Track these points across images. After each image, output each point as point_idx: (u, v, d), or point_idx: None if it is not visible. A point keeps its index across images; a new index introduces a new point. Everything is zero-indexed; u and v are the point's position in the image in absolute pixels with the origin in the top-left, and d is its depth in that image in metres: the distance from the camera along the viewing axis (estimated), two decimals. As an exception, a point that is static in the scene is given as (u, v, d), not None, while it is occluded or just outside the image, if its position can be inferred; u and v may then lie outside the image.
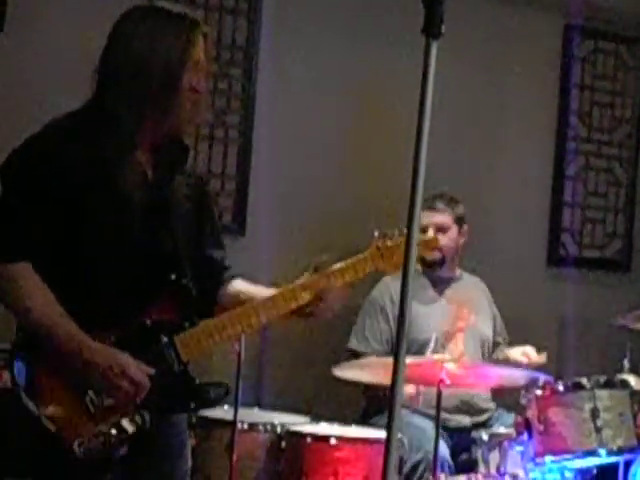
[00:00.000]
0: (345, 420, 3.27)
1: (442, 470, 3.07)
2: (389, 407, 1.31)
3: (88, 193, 1.92)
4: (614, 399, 2.92)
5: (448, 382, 2.77)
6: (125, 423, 1.93)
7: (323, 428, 3.11)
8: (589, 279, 4.49)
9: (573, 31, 4.38)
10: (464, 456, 3.24)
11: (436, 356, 3.05)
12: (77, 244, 1.94)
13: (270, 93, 3.95)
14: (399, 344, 1.31)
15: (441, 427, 3.01)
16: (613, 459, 2.96)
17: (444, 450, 3.15)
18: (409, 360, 2.85)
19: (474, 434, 3.16)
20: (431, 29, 1.24)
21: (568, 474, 2.96)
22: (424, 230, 3.37)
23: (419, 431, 3.19)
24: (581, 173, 4.52)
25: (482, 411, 3.47)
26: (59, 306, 1.89)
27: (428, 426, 3.04)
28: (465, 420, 3.40)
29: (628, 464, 3.10)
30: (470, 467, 3.10)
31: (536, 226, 4.46)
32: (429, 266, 3.50)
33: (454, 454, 3.26)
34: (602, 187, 4.55)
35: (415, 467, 3.16)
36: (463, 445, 3.27)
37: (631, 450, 2.90)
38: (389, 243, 2.20)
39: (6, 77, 3.46)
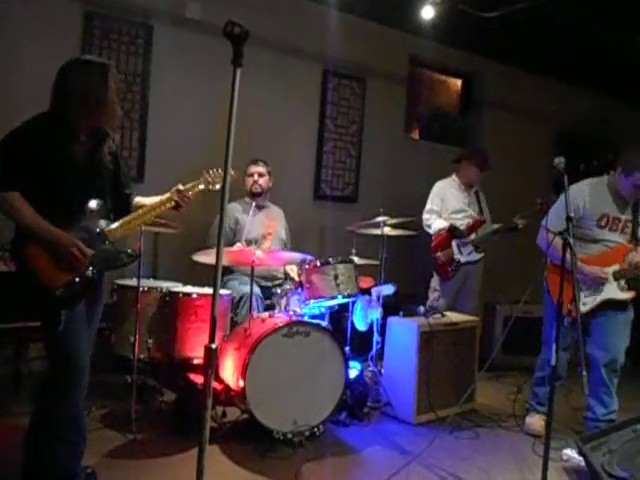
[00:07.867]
0: (202, 284, 3.76)
1: (257, 305, 3.71)
2: (214, 276, 1.48)
3: (52, 154, 2.20)
4: (346, 269, 3.58)
5: (257, 262, 3.42)
6: (87, 272, 2.32)
7: (189, 289, 3.60)
8: (336, 207, 5.52)
9: (328, 73, 5.45)
10: (267, 302, 3.96)
11: (251, 247, 3.72)
12: (46, 183, 2.20)
13: (158, 101, 4.47)
14: (219, 239, 1.48)
15: (256, 285, 3.73)
16: (345, 300, 3.67)
17: (258, 293, 3.85)
18: (236, 248, 3.72)
19: (273, 290, 3.83)
20: (236, 61, 1.34)
21: (323, 309, 3.68)
22: (251, 175, 4.15)
23: (245, 286, 3.86)
24: (332, 150, 5.53)
25: (278, 278, 4.33)
26: (38, 215, 2.19)
27: (249, 284, 3.52)
28: (269, 283, 4.23)
29: (354, 303, 3.92)
30: (271, 307, 3.77)
31: (308, 178, 5.45)
32: (255, 195, 4.20)
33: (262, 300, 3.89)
34: (343, 158, 5.60)
35: (240, 300, 3.88)
36: (268, 295, 3.96)
37: (355, 295, 3.63)
38: (212, 175, 2.74)
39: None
